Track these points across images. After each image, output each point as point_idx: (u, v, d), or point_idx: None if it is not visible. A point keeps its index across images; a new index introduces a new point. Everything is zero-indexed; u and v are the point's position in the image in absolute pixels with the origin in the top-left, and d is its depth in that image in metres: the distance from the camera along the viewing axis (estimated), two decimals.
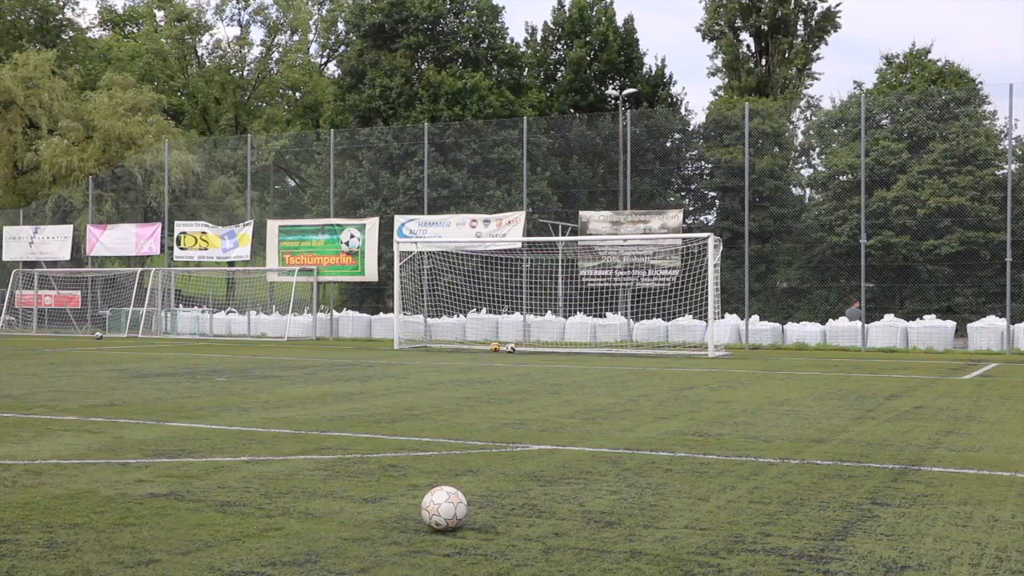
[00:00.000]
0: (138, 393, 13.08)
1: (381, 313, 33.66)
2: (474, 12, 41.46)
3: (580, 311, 28.59)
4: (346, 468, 7.34)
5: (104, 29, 62.44)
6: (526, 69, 43.91)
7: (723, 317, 27.49)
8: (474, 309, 29.38)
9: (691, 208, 37.14)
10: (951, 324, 26.27)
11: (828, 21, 44.53)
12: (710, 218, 37.07)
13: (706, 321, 24.51)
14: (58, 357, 20.99)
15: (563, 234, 31.00)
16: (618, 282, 28.06)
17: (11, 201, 42.62)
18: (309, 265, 31.16)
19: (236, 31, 67.78)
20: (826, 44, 45.38)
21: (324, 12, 57.99)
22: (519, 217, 28.78)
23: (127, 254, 35.74)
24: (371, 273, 30.85)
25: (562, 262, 29.64)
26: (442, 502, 5.31)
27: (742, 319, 27.75)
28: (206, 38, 56.51)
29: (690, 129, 39.82)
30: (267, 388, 13.98)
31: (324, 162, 37.64)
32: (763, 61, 45.13)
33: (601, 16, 43.42)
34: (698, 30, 45.28)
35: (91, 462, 7.55)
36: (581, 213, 29.06)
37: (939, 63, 37.76)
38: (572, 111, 42.41)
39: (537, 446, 8.53)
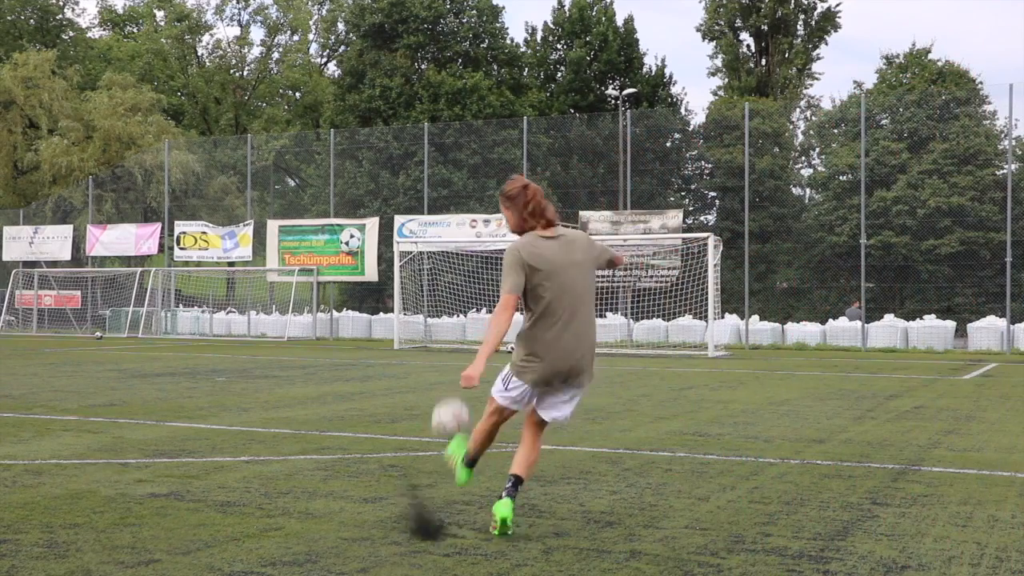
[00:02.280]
0: (138, 393, 13.08)
1: (381, 313, 33.67)
2: (474, 12, 41.47)
3: None
4: (346, 468, 7.34)
5: (104, 29, 62.45)
6: (526, 69, 43.91)
7: (723, 317, 27.49)
8: (474, 309, 29.38)
9: (691, 208, 37.13)
10: (951, 324, 26.27)
11: (828, 21, 44.52)
12: (710, 218, 37.07)
13: (706, 321, 24.51)
14: (58, 357, 20.99)
15: None
16: (618, 282, 28.07)
17: (11, 201, 42.63)
18: (309, 265, 31.16)
19: (236, 31, 67.79)
20: (826, 44, 45.41)
21: (324, 12, 57.99)
22: None
23: (127, 254, 35.74)
24: (371, 273, 30.85)
25: None
26: (447, 420, 5.45)
27: (742, 319, 27.75)
28: (206, 38, 56.53)
29: (690, 129, 39.82)
30: (267, 388, 13.98)
31: (324, 162, 37.64)
32: (763, 61, 45.13)
33: (601, 16, 43.41)
34: (698, 30, 45.29)
35: (91, 462, 7.55)
36: (581, 213, 29.06)
37: (939, 63, 37.76)
38: (572, 111, 42.41)
39: None
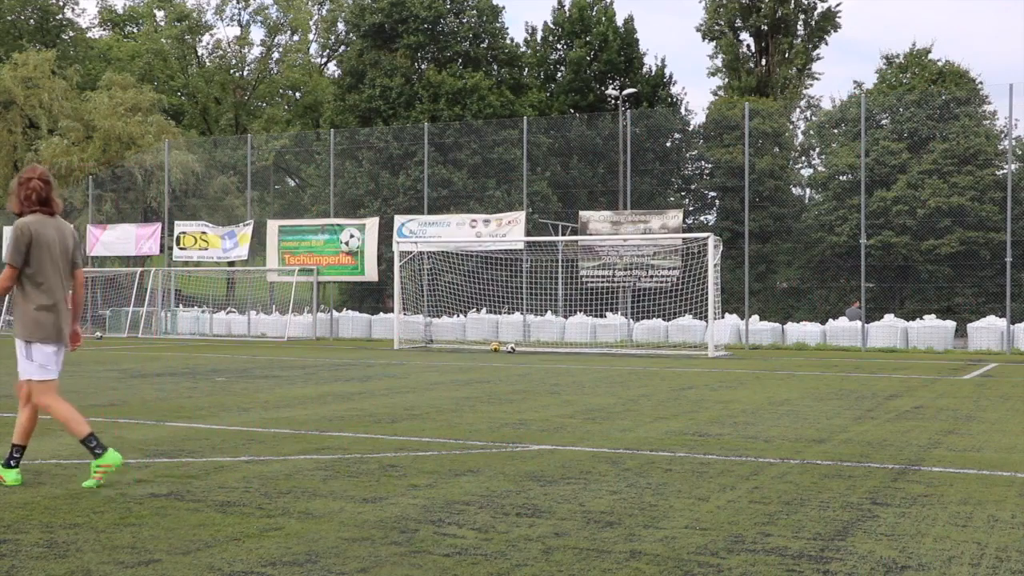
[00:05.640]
0: (138, 393, 13.08)
1: (381, 313, 33.67)
2: (474, 12, 41.46)
3: (580, 311, 28.59)
4: (346, 468, 7.34)
5: (104, 29, 62.44)
6: (526, 69, 43.91)
7: (723, 317, 27.49)
8: (474, 309, 29.38)
9: (691, 208, 37.14)
10: (951, 324, 26.27)
11: (828, 21, 44.55)
12: (710, 218, 37.09)
13: (706, 321, 24.52)
14: None
15: (563, 234, 30.99)
16: (618, 282, 28.07)
17: None
18: (309, 265, 31.16)
19: (236, 31, 67.80)
20: (826, 44, 45.45)
21: (324, 12, 57.99)
22: (519, 217, 28.78)
23: (127, 254, 35.74)
24: (371, 273, 30.85)
25: (562, 262, 29.65)
26: None
27: (742, 319, 27.75)
28: (206, 38, 56.53)
29: (690, 129, 39.84)
30: (267, 388, 13.98)
31: (324, 162, 37.65)
32: (763, 61, 45.14)
33: (601, 16, 43.42)
34: (698, 30, 45.33)
35: (91, 462, 7.54)
36: (581, 213, 29.06)
37: (939, 63, 37.77)
38: (572, 111, 42.41)
39: (537, 446, 8.52)
